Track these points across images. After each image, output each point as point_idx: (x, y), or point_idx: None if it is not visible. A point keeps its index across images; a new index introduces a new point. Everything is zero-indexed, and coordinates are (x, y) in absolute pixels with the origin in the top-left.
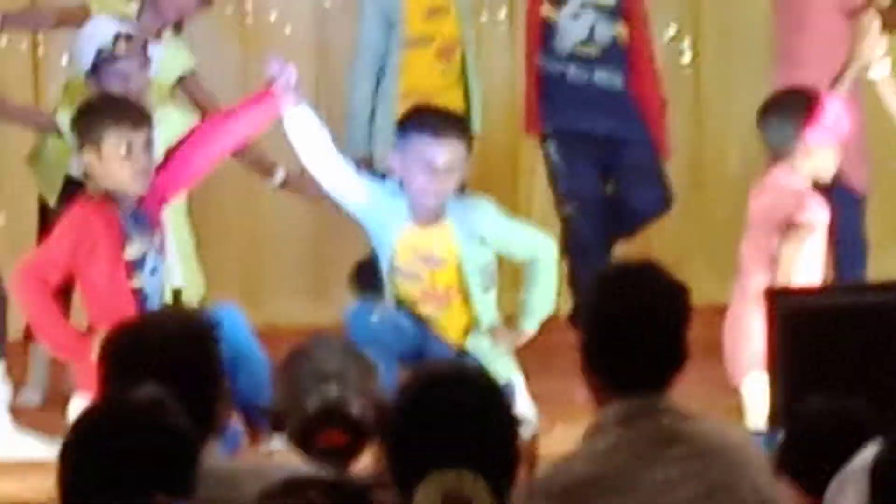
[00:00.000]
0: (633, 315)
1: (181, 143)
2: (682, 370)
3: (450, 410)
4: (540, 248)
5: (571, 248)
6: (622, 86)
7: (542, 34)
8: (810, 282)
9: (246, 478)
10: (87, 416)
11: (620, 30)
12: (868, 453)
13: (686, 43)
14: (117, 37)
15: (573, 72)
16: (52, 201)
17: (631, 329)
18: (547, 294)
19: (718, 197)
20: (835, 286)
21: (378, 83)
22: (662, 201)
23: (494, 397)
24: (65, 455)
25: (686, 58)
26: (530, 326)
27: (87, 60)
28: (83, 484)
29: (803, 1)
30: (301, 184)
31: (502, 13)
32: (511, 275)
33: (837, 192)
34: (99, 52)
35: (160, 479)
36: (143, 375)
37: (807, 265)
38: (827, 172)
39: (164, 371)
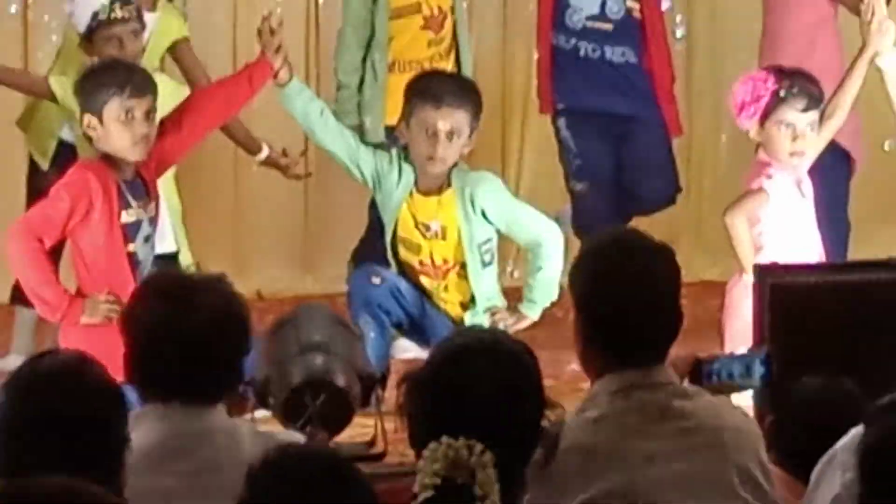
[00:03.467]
0: (625, 285)
1: (176, 111)
2: (675, 340)
3: (481, 382)
4: (545, 232)
5: (582, 225)
6: (636, 62)
7: (554, 9)
8: (801, 258)
9: (247, 436)
10: (10, 381)
11: (632, 5)
12: (853, 434)
13: (679, 19)
14: (114, 0)
15: (585, 47)
16: (44, 165)
17: (624, 300)
18: (550, 281)
19: (708, 173)
20: (822, 264)
21: (366, 53)
22: (669, 193)
23: (526, 372)
24: None
25: (679, 32)
26: (532, 313)
27: (82, 23)
28: (12, 447)
29: None
30: (282, 162)
31: None
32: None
33: (824, 172)
34: (95, 15)
35: (86, 439)
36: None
37: (785, 239)
38: (776, 150)
39: (202, 339)
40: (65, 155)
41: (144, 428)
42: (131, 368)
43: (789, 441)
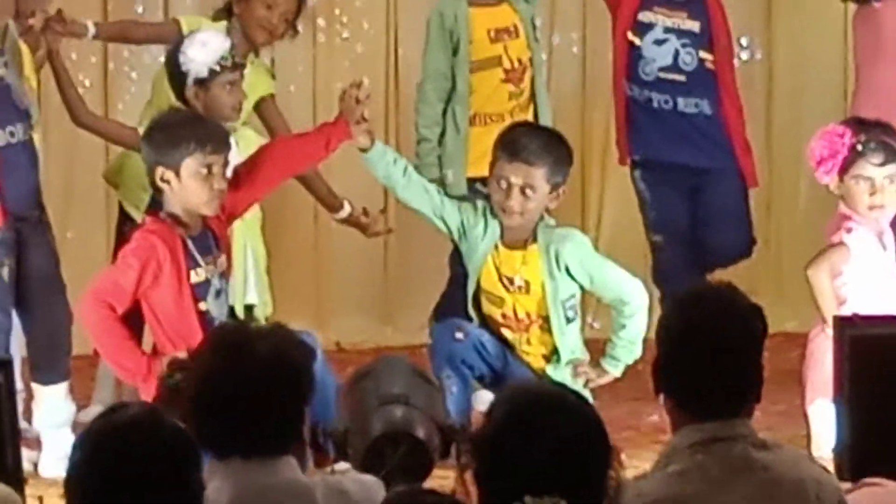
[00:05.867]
0: (709, 339)
1: (250, 161)
2: (758, 396)
3: (548, 436)
4: (629, 291)
5: (659, 276)
6: (711, 112)
7: (628, 60)
8: (883, 310)
9: (320, 491)
10: (85, 435)
11: (706, 56)
12: None
13: (758, 70)
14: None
15: (658, 99)
16: (139, 218)
17: (707, 354)
18: (634, 339)
19: (787, 223)
20: None
21: (446, 106)
22: (745, 246)
23: (593, 424)
24: (68, 477)
25: (759, 85)
26: (614, 370)
27: (200, 70)
28: (88, 500)
29: (878, 30)
30: (363, 221)
31: (575, 34)
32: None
33: None
34: (218, 61)
35: (160, 491)
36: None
37: (866, 292)
38: (855, 204)
39: (255, 390)
40: (158, 207)
41: (212, 486)
42: (193, 425)
43: None
